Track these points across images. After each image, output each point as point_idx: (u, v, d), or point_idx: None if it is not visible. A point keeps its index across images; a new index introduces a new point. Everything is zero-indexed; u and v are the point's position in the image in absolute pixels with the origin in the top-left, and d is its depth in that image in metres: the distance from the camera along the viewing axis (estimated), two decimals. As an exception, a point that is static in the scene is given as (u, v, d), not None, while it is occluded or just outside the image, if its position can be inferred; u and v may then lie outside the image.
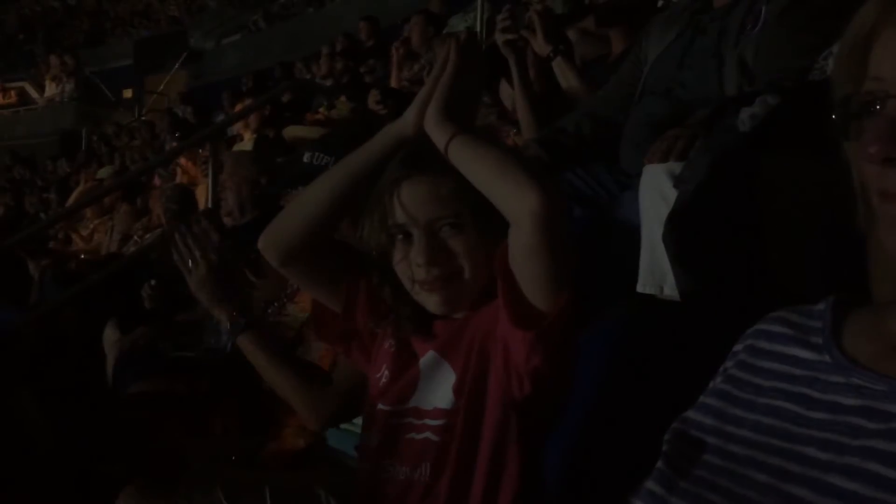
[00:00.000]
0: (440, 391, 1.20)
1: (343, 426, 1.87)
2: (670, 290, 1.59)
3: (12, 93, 17.54)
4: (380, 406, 1.26)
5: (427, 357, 1.23)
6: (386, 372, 1.28)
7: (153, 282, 3.45)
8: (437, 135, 1.17)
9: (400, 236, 1.21)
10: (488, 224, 1.16)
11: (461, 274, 1.19)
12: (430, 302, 1.21)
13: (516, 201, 1.05)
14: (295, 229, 1.29)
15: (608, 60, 2.80)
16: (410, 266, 1.20)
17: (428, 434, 1.19)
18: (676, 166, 1.62)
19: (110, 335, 3.21)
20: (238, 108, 6.75)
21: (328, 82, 6.45)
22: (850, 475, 0.69)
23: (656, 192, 1.63)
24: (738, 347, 0.90)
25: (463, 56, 1.21)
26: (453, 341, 1.21)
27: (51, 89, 16.38)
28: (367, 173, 1.25)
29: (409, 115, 1.23)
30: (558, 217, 1.05)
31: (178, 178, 6.56)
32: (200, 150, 5.71)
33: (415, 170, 1.20)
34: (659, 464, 0.85)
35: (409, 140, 1.23)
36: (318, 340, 1.69)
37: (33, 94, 17.23)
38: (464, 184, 1.15)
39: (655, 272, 1.62)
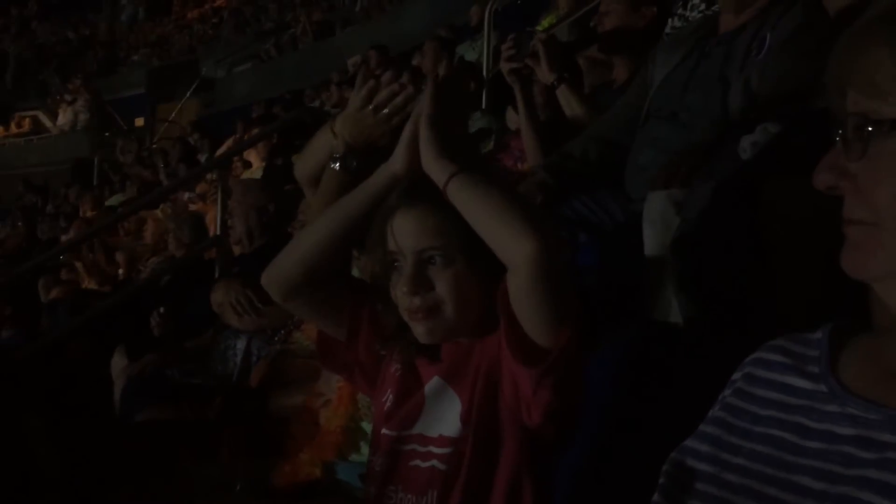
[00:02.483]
0: (446, 419, 1.20)
1: (352, 458, 1.86)
2: (674, 316, 1.59)
3: (26, 121, 17.68)
4: (384, 430, 1.26)
5: (432, 383, 1.24)
6: (391, 396, 1.28)
7: (162, 309, 3.47)
8: (436, 174, 1.17)
9: (394, 264, 1.22)
10: (478, 259, 1.16)
11: (442, 307, 1.19)
12: (416, 331, 1.21)
13: (513, 247, 1.06)
14: (295, 269, 1.31)
15: (612, 87, 2.82)
16: (398, 294, 1.21)
17: (434, 462, 1.19)
18: (679, 193, 1.62)
19: (118, 362, 3.21)
20: (247, 136, 6.80)
21: (336, 112, 6.49)
22: None
23: (660, 218, 1.63)
24: (736, 376, 0.90)
25: (439, 93, 1.23)
26: (459, 367, 1.22)
27: (64, 117, 16.49)
28: (364, 213, 1.26)
29: (398, 153, 1.24)
30: (556, 262, 1.07)
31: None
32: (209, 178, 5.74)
33: (406, 201, 1.21)
34: (655, 496, 0.85)
35: (401, 179, 1.24)
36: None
37: (47, 122, 17.36)
38: (454, 218, 1.15)
39: (660, 297, 1.62)
